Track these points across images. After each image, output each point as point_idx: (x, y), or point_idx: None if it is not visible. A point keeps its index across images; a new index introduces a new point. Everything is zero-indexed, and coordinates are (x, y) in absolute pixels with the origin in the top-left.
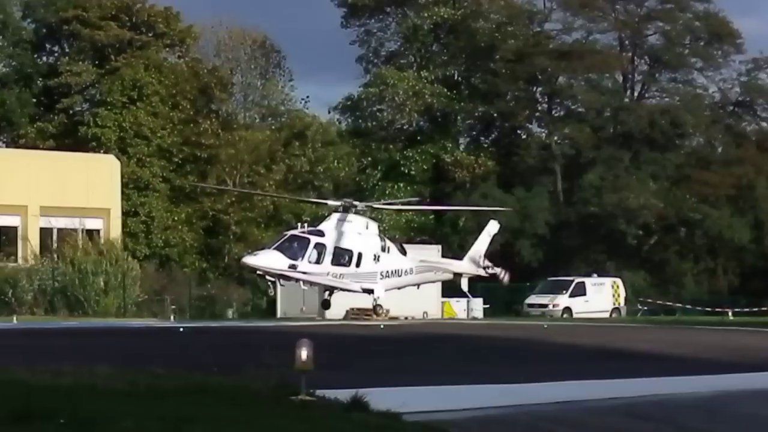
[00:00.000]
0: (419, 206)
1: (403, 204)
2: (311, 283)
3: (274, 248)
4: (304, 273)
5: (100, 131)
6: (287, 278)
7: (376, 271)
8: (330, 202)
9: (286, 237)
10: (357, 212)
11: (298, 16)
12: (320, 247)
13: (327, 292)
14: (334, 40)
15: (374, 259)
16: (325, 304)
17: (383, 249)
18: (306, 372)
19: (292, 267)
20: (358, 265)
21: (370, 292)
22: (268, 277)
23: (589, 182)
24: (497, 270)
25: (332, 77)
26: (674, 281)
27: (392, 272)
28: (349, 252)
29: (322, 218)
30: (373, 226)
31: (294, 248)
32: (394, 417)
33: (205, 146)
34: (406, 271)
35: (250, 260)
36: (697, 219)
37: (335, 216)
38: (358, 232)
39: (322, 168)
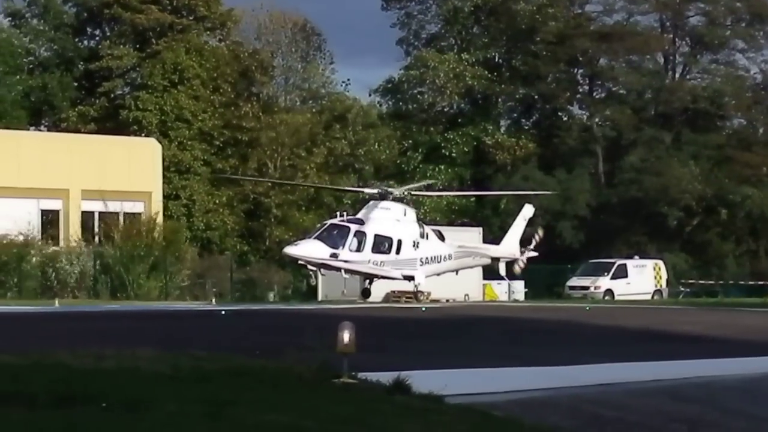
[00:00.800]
0: (456, 191)
1: (439, 190)
2: (352, 272)
3: (315, 237)
4: (346, 261)
5: (141, 115)
6: (328, 267)
7: (416, 258)
8: (367, 190)
9: (326, 226)
10: (395, 199)
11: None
12: (360, 235)
13: (367, 281)
14: (374, 22)
15: (413, 245)
16: (365, 293)
17: (422, 235)
18: (348, 355)
19: (333, 256)
20: (398, 252)
21: (410, 278)
22: (309, 267)
23: (630, 164)
24: (534, 254)
25: (373, 60)
26: (716, 263)
27: (432, 258)
28: (389, 239)
29: (363, 201)
30: (411, 213)
31: (334, 237)
32: (436, 399)
33: (245, 129)
34: (444, 257)
35: (291, 250)
36: (738, 200)
37: (373, 203)
38: (397, 219)
39: (362, 151)
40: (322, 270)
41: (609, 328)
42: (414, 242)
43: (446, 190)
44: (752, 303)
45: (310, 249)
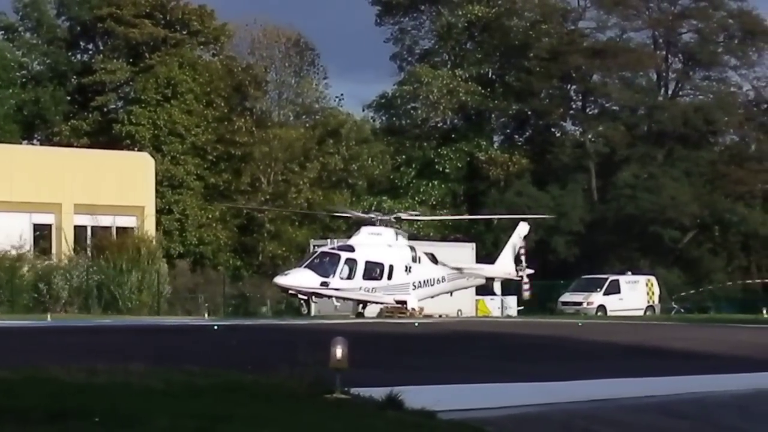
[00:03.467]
0: (446, 216)
1: (434, 206)
2: (344, 299)
3: (305, 266)
4: (337, 290)
5: (134, 129)
6: (320, 296)
7: (408, 282)
8: (358, 214)
9: (316, 254)
10: (386, 224)
11: (332, 15)
12: (351, 263)
13: (360, 305)
14: (368, 38)
15: (406, 270)
16: (359, 316)
17: (414, 259)
18: (341, 370)
19: (324, 284)
20: (390, 277)
21: (403, 303)
22: (300, 296)
23: (623, 180)
24: (530, 271)
25: (366, 75)
26: (708, 279)
27: (424, 282)
28: (380, 265)
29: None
30: (403, 238)
31: (325, 265)
32: (428, 415)
33: (239, 144)
34: (438, 280)
35: (281, 281)
36: (734, 220)
37: (364, 229)
38: (388, 244)
39: (356, 166)
40: (313, 298)
41: (602, 343)
42: (406, 267)
43: (440, 207)
44: (744, 319)
45: (300, 279)
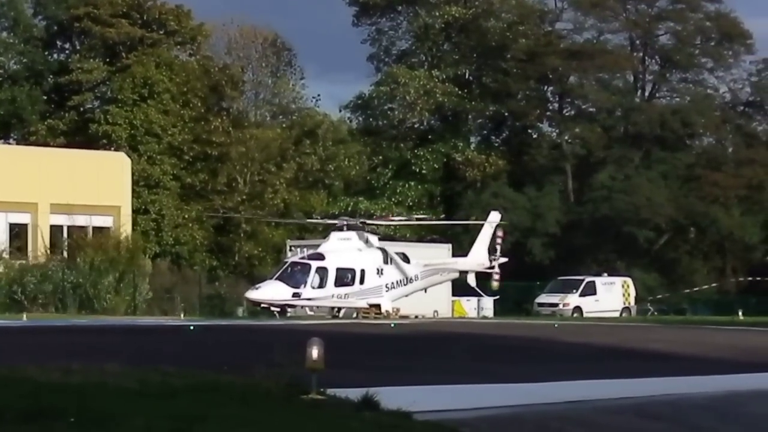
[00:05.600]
0: (415, 221)
1: (400, 220)
2: (318, 307)
3: (276, 278)
4: (309, 299)
5: (110, 129)
6: (293, 306)
7: (381, 285)
8: (327, 221)
9: (287, 265)
10: (354, 228)
11: (309, 15)
12: (322, 271)
13: (335, 310)
14: (345, 38)
15: (377, 273)
16: (335, 318)
17: (386, 261)
18: (317, 371)
19: (296, 295)
20: (362, 282)
21: (377, 306)
22: (273, 308)
23: (600, 182)
24: (504, 260)
25: (343, 76)
26: (684, 281)
27: (397, 282)
28: (352, 271)
29: (333, 216)
30: (373, 239)
31: (296, 276)
32: (404, 416)
33: (215, 144)
34: (411, 279)
35: (253, 295)
36: (707, 223)
37: (333, 235)
38: (358, 248)
39: (332, 166)
40: (287, 309)
41: (577, 345)
42: (378, 269)
43: (416, 208)
44: (720, 321)
45: (271, 291)
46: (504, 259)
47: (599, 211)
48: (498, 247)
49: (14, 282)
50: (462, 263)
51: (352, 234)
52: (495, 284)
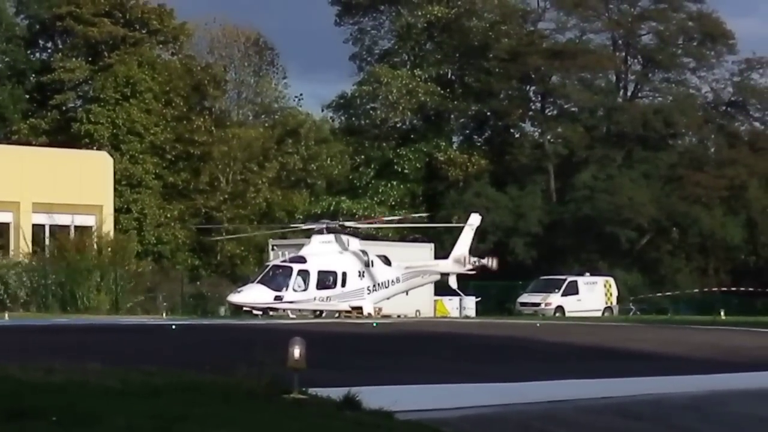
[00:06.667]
0: (394, 224)
1: (381, 222)
2: (300, 310)
3: (258, 282)
4: (291, 302)
5: (93, 128)
6: (275, 309)
7: (363, 287)
8: (307, 226)
9: (268, 268)
10: (335, 231)
11: (291, 14)
12: (304, 274)
13: (317, 313)
14: (327, 38)
15: (359, 275)
16: (317, 317)
17: (367, 264)
18: (299, 370)
19: (278, 298)
20: (343, 284)
21: (359, 309)
22: (255, 312)
23: (582, 182)
24: (485, 261)
25: (326, 75)
26: (667, 280)
27: (379, 285)
28: (333, 273)
29: (315, 216)
30: (354, 242)
31: (277, 279)
32: (386, 416)
33: (198, 143)
34: (392, 281)
35: (235, 298)
36: (689, 223)
37: (315, 238)
38: (339, 251)
39: (315, 166)
40: (269, 312)
41: (559, 344)
42: (359, 272)
43: (398, 207)
44: (702, 320)
45: (253, 295)
46: (485, 261)
47: (581, 210)
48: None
49: None
50: (443, 265)
51: (334, 237)
52: (494, 265)
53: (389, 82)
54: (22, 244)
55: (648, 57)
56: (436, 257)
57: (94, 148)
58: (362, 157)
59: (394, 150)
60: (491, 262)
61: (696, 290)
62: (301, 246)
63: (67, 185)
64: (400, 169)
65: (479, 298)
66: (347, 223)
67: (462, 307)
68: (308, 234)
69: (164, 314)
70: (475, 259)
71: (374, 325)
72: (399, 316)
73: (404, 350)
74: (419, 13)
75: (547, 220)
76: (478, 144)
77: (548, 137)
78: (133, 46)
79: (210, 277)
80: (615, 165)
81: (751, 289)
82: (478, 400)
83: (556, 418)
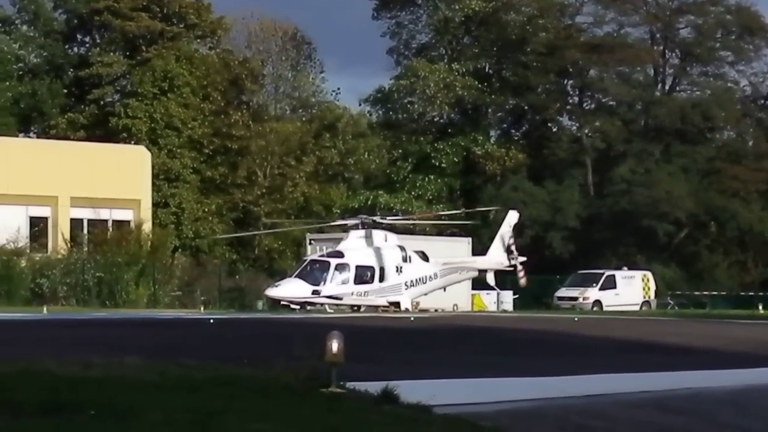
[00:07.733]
0: (432, 220)
1: (419, 218)
2: (337, 305)
3: (296, 276)
4: (329, 297)
5: (130, 122)
6: (312, 304)
7: (400, 283)
8: (342, 222)
9: (306, 263)
10: (373, 226)
11: (329, 8)
12: (341, 269)
13: (354, 308)
14: (365, 32)
15: (397, 271)
16: (355, 311)
17: (405, 259)
18: (337, 364)
19: (316, 292)
20: (381, 279)
21: (396, 304)
22: (292, 306)
23: (620, 176)
24: (522, 259)
25: (363, 69)
26: (705, 275)
27: (417, 281)
28: (371, 268)
29: (353, 210)
30: (393, 238)
31: (315, 274)
32: (424, 410)
33: (235, 138)
34: (430, 277)
35: (272, 292)
36: (727, 217)
37: (353, 233)
38: (378, 246)
39: (352, 160)
40: (307, 307)
41: (597, 338)
42: (397, 267)
43: (436, 202)
44: (740, 315)
45: (291, 289)
46: (523, 258)
47: (619, 204)
48: (513, 248)
49: (36, 275)
50: (481, 262)
51: (372, 232)
52: (522, 281)
53: (427, 76)
54: (60, 239)
55: (686, 51)
56: (474, 252)
57: (132, 142)
58: (399, 151)
59: (431, 144)
60: (522, 276)
61: (733, 285)
62: (338, 240)
63: (105, 180)
64: (437, 164)
65: (516, 295)
66: (382, 219)
67: (499, 302)
68: (345, 228)
69: (202, 308)
70: (514, 255)
71: (412, 319)
72: (436, 311)
73: (442, 344)
74: (456, 7)
75: (585, 214)
76: (516, 138)
77: (586, 131)
78: (171, 41)
79: (248, 271)
80: (653, 159)
81: None
82: (516, 394)
83: (594, 412)
